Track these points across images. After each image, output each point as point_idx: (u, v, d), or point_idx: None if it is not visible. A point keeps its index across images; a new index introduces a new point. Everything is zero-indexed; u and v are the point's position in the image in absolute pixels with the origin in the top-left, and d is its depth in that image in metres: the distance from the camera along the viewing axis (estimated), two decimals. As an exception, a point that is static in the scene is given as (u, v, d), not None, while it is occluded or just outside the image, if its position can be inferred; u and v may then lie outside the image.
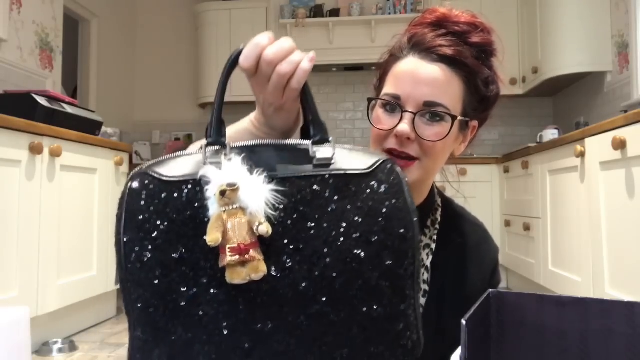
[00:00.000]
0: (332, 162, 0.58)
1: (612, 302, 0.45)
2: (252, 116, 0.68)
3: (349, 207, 0.56)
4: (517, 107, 4.10)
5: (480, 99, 0.78)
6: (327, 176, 0.57)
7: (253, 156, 0.57)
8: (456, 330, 0.80)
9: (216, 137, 0.58)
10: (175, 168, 0.57)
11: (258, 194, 0.53)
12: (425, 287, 0.82)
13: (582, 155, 2.11)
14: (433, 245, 0.84)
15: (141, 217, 0.55)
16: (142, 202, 0.55)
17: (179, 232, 0.54)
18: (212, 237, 0.52)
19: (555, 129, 3.19)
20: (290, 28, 4.03)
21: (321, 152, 0.58)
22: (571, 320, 0.45)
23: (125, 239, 0.55)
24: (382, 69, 0.81)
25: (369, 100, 0.80)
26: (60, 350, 2.05)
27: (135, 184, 0.56)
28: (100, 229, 2.49)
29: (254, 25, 4.15)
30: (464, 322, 0.36)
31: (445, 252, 0.84)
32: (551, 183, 2.55)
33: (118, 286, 0.58)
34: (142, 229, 0.55)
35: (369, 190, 0.57)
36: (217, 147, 0.58)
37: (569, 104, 3.74)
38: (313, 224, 0.56)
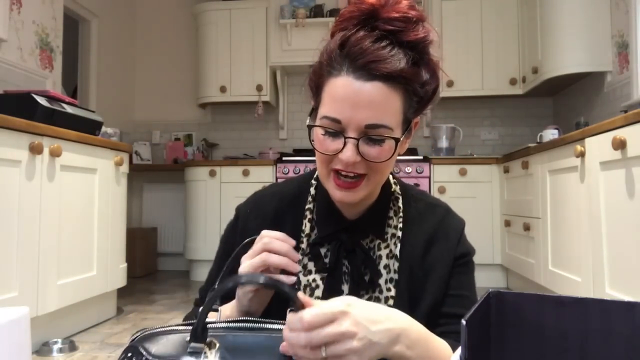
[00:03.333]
0: None
1: (612, 302, 0.45)
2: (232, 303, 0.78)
3: None
4: (517, 107, 4.10)
5: (419, 100, 0.77)
6: None
7: (230, 346, 0.65)
8: (431, 314, 0.80)
9: (200, 338, 0.67)
10: (164, 345, 0.66)
11: None
12: (395, 276, 0.82)
13: (582, 155, 2.12)
14: (399, 234, 0.84)
15: None
16: None
17: None
18: None
19: (555, 129, 3.19)
20: (290, 28, 4.03)
21: None
22: (571, 320, 0.45)
23: None
24: (317, 78, 0.78)
25: (309, 127, 0.78)
26: (60, 350, 2.06)
27: (126, 356, 0.66)
28: (100, 229, 2.48)
29: (254, 25, 4.15)
30: (463, 322, 0.36)
31: (413, 238, 0.85)
32: (551, 183, 2.55)
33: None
34: None
35: None
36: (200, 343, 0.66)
37: (569, 104, 3.74)
38: None
